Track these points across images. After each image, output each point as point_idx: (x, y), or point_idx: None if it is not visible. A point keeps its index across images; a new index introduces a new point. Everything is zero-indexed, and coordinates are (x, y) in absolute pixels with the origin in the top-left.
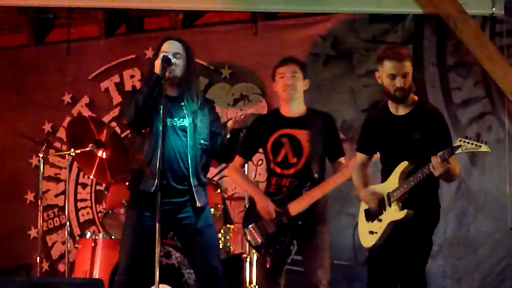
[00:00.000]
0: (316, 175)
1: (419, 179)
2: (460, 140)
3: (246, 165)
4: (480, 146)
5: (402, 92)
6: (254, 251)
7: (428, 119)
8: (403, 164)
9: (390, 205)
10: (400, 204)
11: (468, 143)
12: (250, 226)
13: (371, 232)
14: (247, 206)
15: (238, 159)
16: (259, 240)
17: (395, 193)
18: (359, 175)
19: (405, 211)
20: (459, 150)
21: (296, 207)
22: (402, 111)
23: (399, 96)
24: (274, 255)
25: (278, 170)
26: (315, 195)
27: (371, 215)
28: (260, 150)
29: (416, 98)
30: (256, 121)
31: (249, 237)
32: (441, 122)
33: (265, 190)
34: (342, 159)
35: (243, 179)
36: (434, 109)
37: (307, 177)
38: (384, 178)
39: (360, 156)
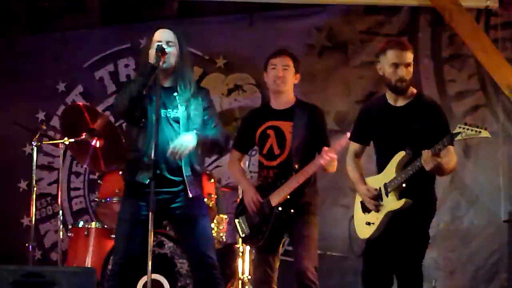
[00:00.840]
0: (296, 166)
1: (413, 171)
2: (460, 127)
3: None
4: (480, 131)
5: (404, 82)
6: (243, 243)
7: (427, 111)
8: (400, 154)
9: (387, 195)
10: (397, 194)
11: (467, 129)
12: (239, 218)
13: (368, 223)
14: (239, 198)
15: (234, 153)
16: (246, 232)
17: (393, 183)
18: (354, 168)
19: (404, 200)
20: (458, 137)
21: (275, 198)
22: (400, 102)
23: (400, 87)
24: (258, 245)
25: (264, 161)
26: (291, 185)
27: (368, 207)
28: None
29: (414, 90)
30: (248, 115)
31: (238, 229)
32: (439, 113)
33: (257, 182)
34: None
35: (236, 172)
36: (432, 101)
37: (289, 168)
38: (380, 169)
39: (354, 146)
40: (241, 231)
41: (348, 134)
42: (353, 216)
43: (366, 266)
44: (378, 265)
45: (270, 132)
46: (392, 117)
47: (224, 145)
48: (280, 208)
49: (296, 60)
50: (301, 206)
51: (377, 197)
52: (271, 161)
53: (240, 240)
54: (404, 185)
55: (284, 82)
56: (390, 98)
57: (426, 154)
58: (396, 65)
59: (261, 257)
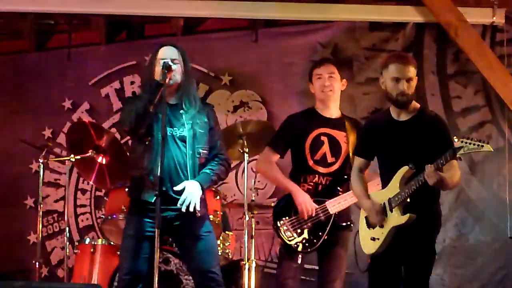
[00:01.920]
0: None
1: (417, 186)
2: (462, 141)
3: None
4: (483, 146)
5: (405, 97)
6: (287, 245)
7: (430, 125)
8: (404, 169)
9: (391, 211)
10: (401, 209)
11: (469, 143)
12: (283, 219)
13: (373, 239)
14: (276, 201)
15: (271, 154)
16: (293, 237)
17: (396, 198)
18: (358, 183)
19: (408, 215)
20: (460, 151)
21: (335, 206)
22: (404, 116)
23: (402, 101)
24: (306, 252)
25: (316, 167)
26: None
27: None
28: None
29: (418, 105)
30: (291, 119)
31: (281, 232)
32: (442, 128)
33: (305, 187)
34: None
35: (275, 173)
36: (435, 115)
37: (344, 177)
38: (384, 184)
39: (358, 161)
40: (285, 234)
41: None
42: (358, 231)
43: (371, 281)
44: (383, 280)
45: (324, 139)
46: (395, 132)
47: (226, 176)
48: (336, 218)
49: (340, 66)
50: (349, 221)
51: (382, 212)
52: (325, 167)
53: (284, 243)
54: (408, 200)
55: (333, 90)
56: (393, 112)
57: (429, 168)
58: (397, 79)
59: (290, 268)
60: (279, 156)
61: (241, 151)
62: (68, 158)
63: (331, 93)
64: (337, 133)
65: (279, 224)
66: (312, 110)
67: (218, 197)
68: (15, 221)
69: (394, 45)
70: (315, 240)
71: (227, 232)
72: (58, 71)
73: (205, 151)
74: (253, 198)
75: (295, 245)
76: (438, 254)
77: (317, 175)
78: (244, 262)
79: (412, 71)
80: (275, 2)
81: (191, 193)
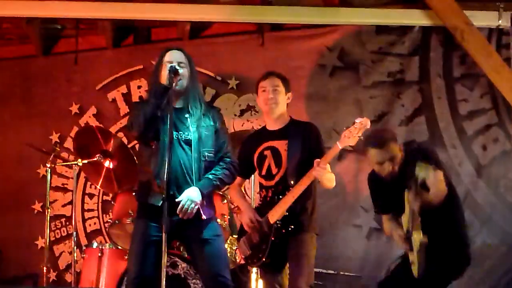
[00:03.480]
0: (292, 182)
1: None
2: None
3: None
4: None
5: (394, 174)
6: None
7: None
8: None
9: (413, 235)
10: (419, 231)
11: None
12: (241, 239)
13: (412, 263)
14: None
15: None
16: (248, 252)
17: (407, 222)
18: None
19: (419, 238)
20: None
21: (274, 215)
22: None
23: (392, 179)
24: (258, 264)
25: (264, 182)
26: (288, 200)
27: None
28: None
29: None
30: (246, 139)
31: (241, 250)
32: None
33: (258, 203)
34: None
35: (235, 195)
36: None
37: (285, 185)
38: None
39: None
40: (243, 252)
41: (338, 144)
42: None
43: None
44: None
45: (267, 152)
46: (389, 184)
47: (232, 180)
48: (279, 225)
49: (285, 79)
50: (299, 223)
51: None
52: (270, 180)
53: (244, 261)
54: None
55: (276, 103)
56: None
57: (409, 196)
58: (380, 163)
59: (269, 278)
60: (241, 178)
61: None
62: (76, 162)
63: (275, 106)
64: (278, 143)
65: (238, 245)
66: (263, 127)
67: (225, 201)
68: (23, 226)
69: (400, 48)
70: (260, 252)
71: (234, 236)
72: (65, 76)
73: (211, 154)
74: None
75: (246, 260)
76: None
77: (264, 189)
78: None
79: (393, 149)
80: (281, 6)
81: (189, 198)
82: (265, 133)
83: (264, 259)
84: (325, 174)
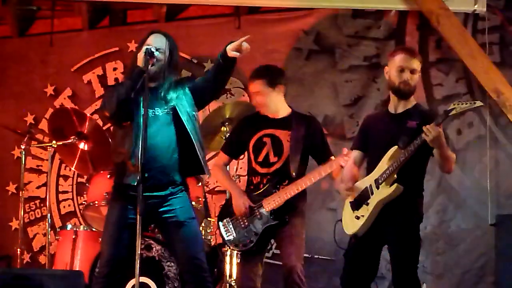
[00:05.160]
0: (294, 174)
1: (411, 152)
2: (454, 104)
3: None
4: (475, 103)
5: (407, 87)
6: (226, 245)
7: (424, 115)
8: (393, 149)
9: (378, 188)
10: (389, 184)
11: (461, 103)
12: (224, 220)
13: (357, 217)
14: (224, 202)
15: (223, 157)
16: (232, 235)
17: (384, 174)
18: (348, 169)
19: (395, 185)
20: (453, 112)
21: (271, 203)
22: (400, 109)
23: (403, 90)
24: (245, 249)
25: (258, 169)
26: (290, 191)
27: (357, 204)
28: None
29: (415, 100)
30: (243, 121)
31: (222, 231)
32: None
33: (246, 189)
34: (332, 158)
35: (223, 176)
36: (431, 110)
37: (285, 175)
38: (369, 172)
39: (354, 153)
40: (225, 234)
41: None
42: (339, 220)
43: (349, 263)
44: (361, 263)
45: (267, 140)
46: (389, 122)
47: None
48: (272, 215)
49: (270, 76)
50: (290, 209)
51: (365, 195)
52: (266, 168)
53: (226, 243)
54: (395, 176)
55: (266, 105)
56: (391, 106)
57: (428, 125)
58: (401, 69)
59: (247, 263)
60: (229, 158)
61: (224, 138)
62: (50, 144)
63: (266, 108)
64: (280, 133)
65: (220, 225)
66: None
67: (200, 184)
68: None
69: (376, 32)
70: (249, 238)
71: (209, 218)
72: (40, 57)
73: (194, 113)
74: None
75: (230, 244)
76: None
77: (259, 176)
78: (225, 249)
79: (416, 64)
80: None
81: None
82: (265, 119)
83: (252, 245)
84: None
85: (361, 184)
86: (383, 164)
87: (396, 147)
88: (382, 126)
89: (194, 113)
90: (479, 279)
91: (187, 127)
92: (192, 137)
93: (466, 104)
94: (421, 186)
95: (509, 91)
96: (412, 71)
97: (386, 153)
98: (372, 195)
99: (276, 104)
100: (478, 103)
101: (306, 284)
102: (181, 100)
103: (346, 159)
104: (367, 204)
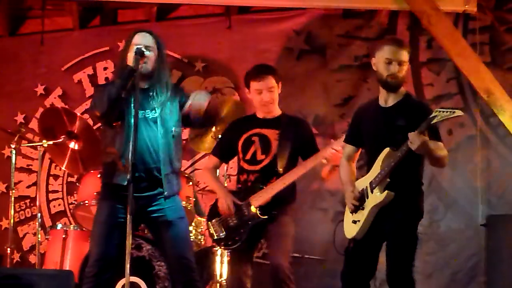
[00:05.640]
0: (281, 170)
1: (399, 158)
2: (436, 111)
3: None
4: (454, 111)
5: (395, 79)
6: (215, 244)
7: (414, 109)
8: (385, 151)
9: (372, 192)
10: (382, 189)
11: (443, 111)
12: (213, 220)
13: (354, 222)
14: (213, 203)
15: (213, 160)
16: (220, 234)
17: (377, 178)
18: (344, 170)
19: (385, 192)
20: (434, 120)
21: (258, 200)
22: (391, 102)
23: (391, 83)
24: (234, 247)
25: (246, 166)
26: (277, 187)
27: (355, 208)
28: None
29: (405, 90)
30: (232, 124)
31: (211, 231)
32: (426, 112)
33: (235, 187)
34: None
35: (211, 177)
36: (420, 101)
37: (273, 172)
38: (368, 170)
39: (347, 148)
40: (215, 233)
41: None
42: (341, 220)
43: (348, 264)
44: (359, 264)
45: (255, 138)
46: (380, 117)
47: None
48: (260, 211)
49: (276, 73)
50: (281, 208)
51: (361, 198)
52: (254, 165)
53: (215, 242)
54: (388, 179)
55: (273, 103)
56: (381, 99)
57: (412, 134)
58: (389, 61)
59: (237, 263)
60: (219, 160)
61: (214, 138)
62: (41, 143)
63: (272, 105)
64: (268, 132)
65: (209, 224)
66: (252, 115)
67: (190, 183)
68: None
69: (367, 32)
70: (237, 235)
71: (200, 218)
72: (31, 57)
73: (178, 129)
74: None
75: (219, 243)
76: None
77: (246, 173)
78: (216, 249)
79: (405, 55)
80: None
81: (197, 100)
82: (255, 120)
83: (240, 243)
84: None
85: (360, 184)
86: (377, 167)
87: (388, 149)
88: (374, 121)
89: (174, 128)
90: (470, 279)
91: (159, 141)
92: (160, 153)
93: (447, 112)
94: (419, 182)
95: (500, 91)
96: (400, 63)
97: (380, 152)
98: (367, 199)
99: (277, 99)
100: (458, 112)
101: (296, 284)
102: (166, 113)
103: (332, 151)
104: (363, 209)
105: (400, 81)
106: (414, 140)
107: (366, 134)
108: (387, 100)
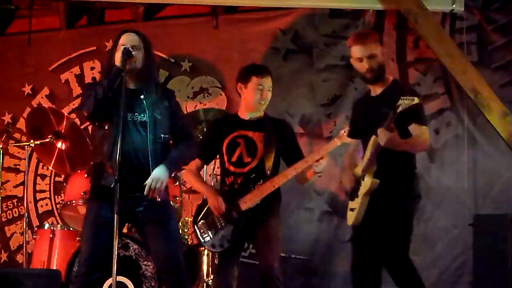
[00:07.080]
0: (268, 172)
1: (378, 145)
2: (401, 99)
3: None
4: (414, 99)
5: (372, 72)
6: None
7: (399, 95)
8: (373, 139)
9: (363, 179)
10: (371, 176)
11: (405, 100)
12: (199, 222)
13: (352, 209)
14: (198, 204)
15: (195, 161)
16: (208, 237)
17: (365, 165)
18: (346, 158)
19: (371, 180)
20: (399, 109)
21: (246, 202)
22: (378, 91)
23: (370, 77)
24: (222, 249)
25: (232, 169)
26: (266, 189)
27: (351, 195)
28: None
29: (390, 78)
30: (213, 124)
31: (198, 233)
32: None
33: (220, 190)
34: None
35: (195, 179)
36: (407, 86)
37: (260, 174)
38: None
39: (353, 143)
40: (201, 236)
41: (337, 140)
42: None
43: (355, 251)
44: (365, 250)
45: (240, 141)
46: (368, 107)
47: (194, 158)
48: (249, 213)
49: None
50: (266, 209)
51: (356, 186)
52: (240, 168)
53: (202, 244)
54: (375, 167)
55: (266, 103)
56: (372, 89)
57: (379, 130)
58: (360, 59)
59: (223, 265)
60: (202, 162)
61: (201, 137)
62: (28, 143)
63: (265, 105)
64: (253, 134)
65: (196, 227)
66: (234, 115)
67: (177, 183)
68: None
69: (354, 32)
70: (226, 238)
71: (186, 218)
72: (18, 57)
73: (166, 136)
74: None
75: (207, 244)
76: None
77: (232, 176)
78: (202, 248)
79: (373, 47)
80: None
81: (154, 178)
82: (237, 120)
83: (229, 246)
84: (324, 167)
85: (357, 171)
86: (366, 156)
87: (374, 137)
88: (364, 112)
89: (163, 135)
90: (457, 278)
91: (146, 145)
92: (147, 155)
93: (408, 100)
94: (412, 167)
95: (487, 91)
96: (370, 56)
97: (369, 143)
98: (360, 186)
99: None
100: (416, 100)
101: (283, 283)
102: (156, 116)
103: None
104: (357, 196)
105: (378, 72)
106: (381, 136)
107: (360, 124)
108: (375, 90)
